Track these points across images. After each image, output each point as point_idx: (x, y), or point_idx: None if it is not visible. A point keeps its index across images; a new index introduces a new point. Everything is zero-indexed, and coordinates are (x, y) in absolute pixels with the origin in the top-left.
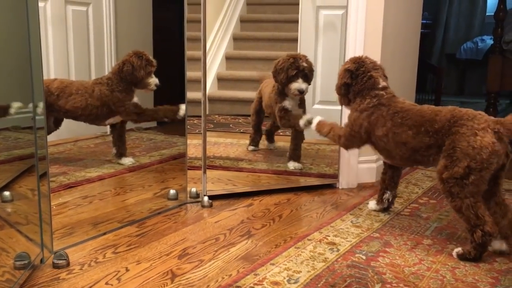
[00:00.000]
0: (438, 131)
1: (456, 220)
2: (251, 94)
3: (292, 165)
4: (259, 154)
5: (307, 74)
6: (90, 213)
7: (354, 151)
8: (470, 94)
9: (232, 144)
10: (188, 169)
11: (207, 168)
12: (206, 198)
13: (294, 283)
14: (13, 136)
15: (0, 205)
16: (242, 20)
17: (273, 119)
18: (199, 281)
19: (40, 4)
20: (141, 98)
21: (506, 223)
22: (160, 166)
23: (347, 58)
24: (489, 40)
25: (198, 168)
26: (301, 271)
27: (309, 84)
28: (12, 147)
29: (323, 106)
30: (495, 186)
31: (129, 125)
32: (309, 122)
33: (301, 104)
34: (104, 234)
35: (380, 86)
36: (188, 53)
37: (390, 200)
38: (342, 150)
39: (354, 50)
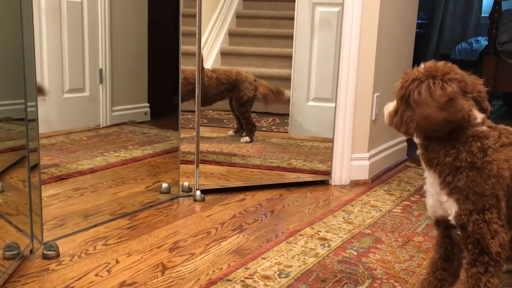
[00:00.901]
0: None
1: None
2: None
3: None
4: (252, 149)
5: None
6: (81, 205)
7: (348, 148)
8: None
9: (225, 139)
10: (181, 163)
11: (200, 163)
12: (198, 192)
13: (285, 277)
14: (5, 127)
15: None
16: (238, 16)
17: None
18: (190, 274)
19: None
20: (134, 91)
21: None
22: (153, 159)
23: (342, 55)
24: (483, 41)
25: (191, 162)
26: (292, 266)
27: None
28: (4, 138)
29: (317, 103)
30: None
31: (122, 118)
32: None
33: None
34: (95, 226)
35: (477, 121)
36: (183, 47)
37: None
38: (335, 146)
39: (349, 47)
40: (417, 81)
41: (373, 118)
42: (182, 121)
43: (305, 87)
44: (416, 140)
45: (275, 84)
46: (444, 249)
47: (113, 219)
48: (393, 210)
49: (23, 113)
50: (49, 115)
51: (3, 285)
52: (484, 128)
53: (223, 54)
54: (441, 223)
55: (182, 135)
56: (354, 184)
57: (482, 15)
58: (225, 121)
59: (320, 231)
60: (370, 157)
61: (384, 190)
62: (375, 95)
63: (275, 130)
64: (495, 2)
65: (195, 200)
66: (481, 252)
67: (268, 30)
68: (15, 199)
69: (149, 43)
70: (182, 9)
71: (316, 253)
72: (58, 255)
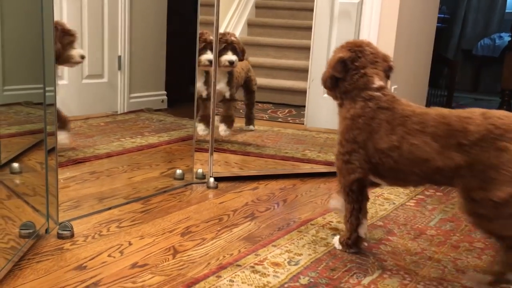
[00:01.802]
0: (474, 144)
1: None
2: (263, 81)
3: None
4: (267, 139)
5: (236, 48)
6: (96, 188)
7: None
8: (484, 91)
9: (240, 129)
10: (196, 151)
11: (215, 151)
12: (212, 180)
13: (295, 265)
14: (25, 110)
15: (8, 176)
16: (258, 6)
17: None
18: (200, 258)
19: None
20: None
21: None
22: (168, 146)
23: None
24: (507, 37)
25: (205, 150)
26: (302, 254)
27: (240, 59)
28: (23, 122)
29: None
30: None
31: (140, 105)
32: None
33: (229, 82)
34: (109, 209)
35: (374, 86)
36: None
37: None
38: None
39: (369, 39)
40: (337, 49)
41: None
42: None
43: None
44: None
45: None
46: None
47: (127, 203)
48: (407, 204)
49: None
50: (68, 100)
51: (19, 262)
52: (377, 93)
53: None
54: None
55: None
56: None
57: (506, 10)
58: (241, 111)
59: (332, 221)
60: None
61: None
62: (393, 87)
63: (290, 121)
64: None
65: (208, 187)
66: (340, 182)
67: (287, 21)
68: (32, 180)
69: (168, 31)
70: None
71: (327, 243)
72: (72, 235)
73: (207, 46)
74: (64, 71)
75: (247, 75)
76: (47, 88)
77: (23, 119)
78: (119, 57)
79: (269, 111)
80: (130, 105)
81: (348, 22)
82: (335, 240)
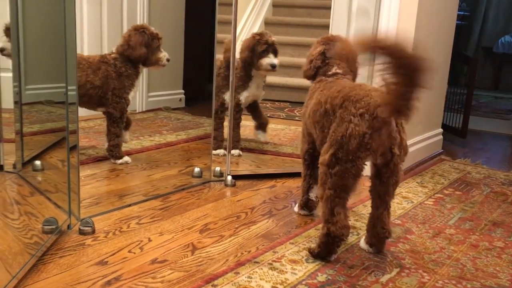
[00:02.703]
0: (334, 109)
1: (481, 212)
2: (280, 79)
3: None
4: (284, 138)
5: (276, 50)
6: (116, 185)
7: None
8: (505, 89)
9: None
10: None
11: (232, 149)
12: (229, 178)
13: (312, 262)
14: (46, 109)
15: (31, 174)
16: (275, 5)
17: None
18: (219, 255)
19: None
20: (170, 78)
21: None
22: (186, 145)
23: None
24: None
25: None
26: None
27: None
28: (45, 120)
29: None
30: (381, 185)
31: (158, 104)
32: None
33: (263, 86)
34: (129, 205)
35: (329, 73)
36: (219, 36)
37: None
38: None
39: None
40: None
41: None
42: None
43: None
44: None
45: None
46: None
47: (146, 200)
48: (425, 202)
49: (64, 97)
50: None
51: (42, 257)
52: (330, 79)
53: None
54: None
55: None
56: None
57: None
58: None
59: (350, 220)
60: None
61: (416, 182)
62: None
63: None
64: None
65: (226, 185)
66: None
67: (304, 19)
68: (54, 177)
69: (186, 30)
70: None
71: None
72: (93, 231)
73: (269, 48)
74: None
75: None
76: (68, 87)
77: (44, 118)
78: None
79: (286, 109)
80: (149, 104)
81: (366, 19)
82: (295, 206)
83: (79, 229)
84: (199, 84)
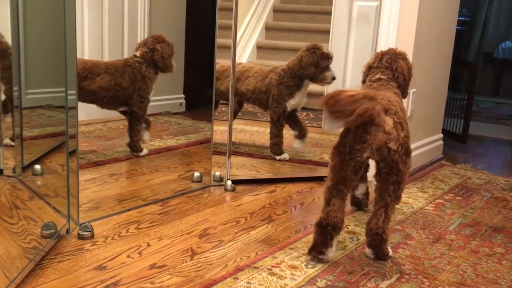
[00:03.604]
0: None
1: (482, 218)
2: None
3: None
4: (284, 143)
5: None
6: (116, 190)
7: None
8: (505, 95)
9: (258, 132)
10: (213, 153)
11: (232, 154)
12: (229, 182)
13: (312, 267)
14: (47, 114)
15: (30, 178)
16: (276, 10)
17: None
18: (218, 260)
19: None
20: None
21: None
22: (186, 149)
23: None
24: None
25: (223, 153)
26: None
27: None
28: (45, 124)
29: None
30: (381, 182)
31: (158, 108)
32: None
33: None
34: (128, 210)
35: (374, 78)
36: (220, 40)
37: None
38: None
39: (386, 43)
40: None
41: (409, 114)
42: (216, 113)
43: (340, 82)
44: None
45: None
46: None
47: (146, 205)
48: (425, 208)
49: (64, 101)
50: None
51: (40, 262)
52: (374, 84)
53: (259, 48)
54: None
55: (215, 127)
56: None
57: None
58: (258, 114)
59: (349, 225)
60: None
61: (417, 188)
62: (412, 91)
63: (308, 124)
64: None
65: (226, 190)
66: None
67: (305, 24)
68: (54, 182)
69: (186, 35)
70: (219, 2)
71: (344, 246)
72: (92, 236)
73: (330, 61)
74: None
75: None
76: (68, 92)
77: (44, 122)
78: None
79: None
80: (149, 108)
81: (366, 25)
82: None
83: (78, 233)
84: (200, 89)
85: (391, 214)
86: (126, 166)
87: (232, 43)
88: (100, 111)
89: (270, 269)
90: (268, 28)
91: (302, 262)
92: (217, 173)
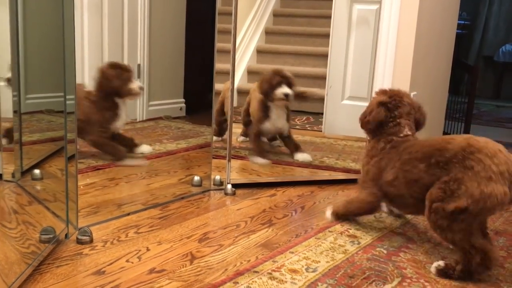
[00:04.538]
0: (449, 161)
1: None
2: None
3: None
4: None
5: (291, 83)
6: (115, 194)
7: None
8: (506, 98)
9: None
10: (214, 157)
11: (232, 158)
12: (229, 186)
13: (312, 271)
14: (46, 118)
15: (30, 182)
16: (275, 14)
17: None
18: (218, 264)
19: None
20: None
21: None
22: (186, 153)
23: (379, 54)
24: None
25: (223, 157)
26: (320, 261)
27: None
28: (45, 129)
29: (352, 102)
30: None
31: (159, 113)
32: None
33: (288, 118)
34: (128, 214)
35: (401, 135)
36: (219, 45)
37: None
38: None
39: (386, 46)
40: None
41: None
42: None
43: (340, 85)
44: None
45: None
46: None
47: (145, 209)
48: None
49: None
50: None
51: (38, 267)
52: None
53: (259, 52)
54: None
55: None
56: None
57: None
58: None
59: (350, 229)
60: None
61: None
62: (412, 94)
63: (308, 128)
64: None
65: (226, 194)
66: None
67: (305, 28)
68: (53, 186)
69: (186, 39)
70: (218, 6)
71: (345, 250)
72: (91, 241)
73: (283, 81)
74: (83, 79)
75: None
76: (67, 97)
77: (44, 127)
78: (138, 66)
79: None
80: (149, 113)
81: (366, 28)
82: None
83: (77, 238)
84: (200, 93)
85: None
86: (126, 170)
87: (231, 47)
88: None
89: (270, 273)
90: (268, 32)
91: (303, 266)
92: (217, 177)
